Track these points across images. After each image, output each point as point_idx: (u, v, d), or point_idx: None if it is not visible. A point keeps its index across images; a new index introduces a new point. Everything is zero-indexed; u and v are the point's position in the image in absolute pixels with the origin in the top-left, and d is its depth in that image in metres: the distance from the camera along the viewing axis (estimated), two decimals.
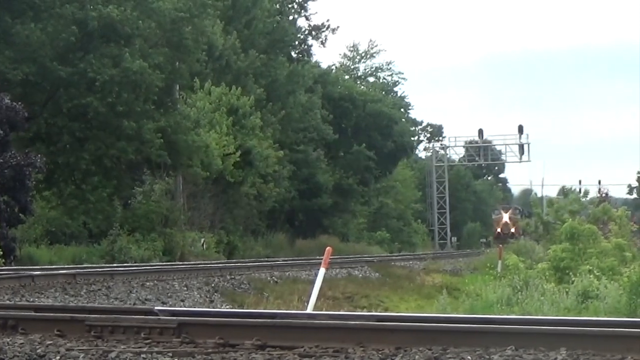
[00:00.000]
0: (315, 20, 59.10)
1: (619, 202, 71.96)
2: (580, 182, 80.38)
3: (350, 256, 42.28)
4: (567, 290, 23.49)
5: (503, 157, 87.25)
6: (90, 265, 25.80)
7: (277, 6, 54.37)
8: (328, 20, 60.07)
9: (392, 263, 42.15)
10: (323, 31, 58.54)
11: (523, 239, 75.81)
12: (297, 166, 52.81)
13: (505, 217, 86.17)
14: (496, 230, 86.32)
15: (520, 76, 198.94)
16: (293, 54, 55.90)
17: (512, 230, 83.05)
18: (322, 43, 58.79)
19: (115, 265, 26.52)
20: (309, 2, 58.29)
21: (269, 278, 27.07)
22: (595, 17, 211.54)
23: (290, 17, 57.29)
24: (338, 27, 69.39)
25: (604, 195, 59.01)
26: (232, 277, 25.47)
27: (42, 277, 18.99)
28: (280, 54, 51.82)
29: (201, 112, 40.06)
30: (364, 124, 64.51)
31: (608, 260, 27.87)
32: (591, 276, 23.88)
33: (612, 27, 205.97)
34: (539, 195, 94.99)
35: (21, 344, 8.38)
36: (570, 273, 25.19)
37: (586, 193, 58.58)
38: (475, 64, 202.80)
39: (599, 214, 39.75)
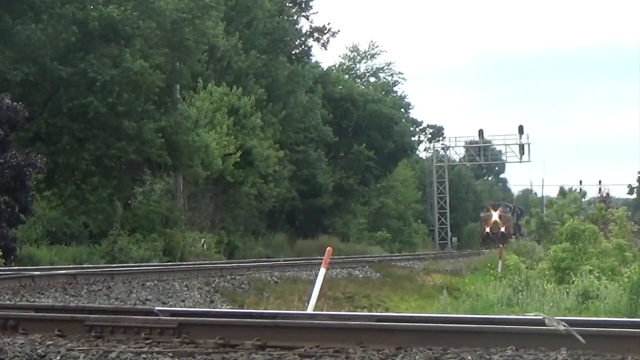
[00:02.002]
0: (317, 21, 59.25)
1: (619, 202, 72.02)
2: (580, 182, 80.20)
3: (351, 256, 42.28)
4: (567, 290, 23.51)
5: (503, 157, 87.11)
6: (90, 266, 25.80)
7: (278, 6, 54.35)
8: (329, 24, 60.23)
9: (393, 263, 42.14)
10: (325, 33, 58.60)
11: (515, 239, 74.77)
12: (297, 166, 52.82)
13: (495, 215, 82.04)
14: (484, 229, 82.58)
15: (520, 76, 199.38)
16: (294, 54, 55.92)
17: (502, 229, 79.62)
18: (324, 45, 58.85)
19: (115, 265, 26.51)
20: (310, 2, 58.36)
21: (269, 278, 27.07)
22: (595, 17, 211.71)
23: (291, 18, 57.26)
24: (339, 30, 69.56)
25: (604, 195, 58.98)
26: (233, 277, 25.47)
27: (42, 278, 18.99)
28: (281, 54, 51.83)
29: (202, 112, 40.08)
30: (364, 124, 64.54)
31: (608, 260, 27.89)
32: (591, 276, 23.90)
33: (612, 27, 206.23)
34: (539, 195, 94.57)
35: (21, 344, 8.38)
36: (571, 273, 25.20)
37: (584, 194, 58.68)
38: (475, 64, 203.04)
39: (596, 216, 39.81)
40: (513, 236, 78.21)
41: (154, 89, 33.75)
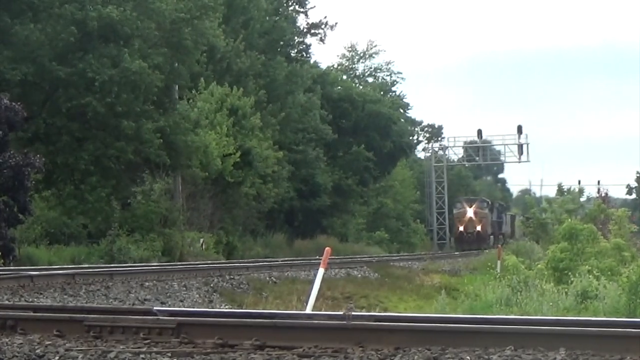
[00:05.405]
0: (314, 18, 59.20)
1: (618, 202, 71.95)
2: (579, 182, 79.96)
3: (349, 256, 42.28)
4: (566, 290, 23.53)
5: (502, 157, 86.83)
6: (89, 266, 25.80)
7: (275, 5, 54.31)
8: (325, 17, 60.21)
9: (391, 263, 42.14)
10: (322, 28, 58.57)
11: (494, 240, 72.90)
12: (296, 166, 52.80)
13: (470, 212, 72.59)
14: (458, 228, 73.30)
15: (519, 76, 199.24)
16: (292, 54, 55.93)
17: (478, 228, 71.77)
18: (322, 39, 58.78)
19: (114, 265, 26.52)
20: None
21: (268, 278, 27.09)
22: (595, 16, 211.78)
23: (288, 14, 57.18)
24: (336, 23, 69.47)
25: (603, 195, 59.02)
26: (231, 277, 25.48)
27: (41, 278, 19.00)
28: (279, 54, 51.82)
29: (202, 112, 40.06)
30: (363, 124, 64.52)
31: (607, 260, 27.92)
32: (590, 276, 23.92)
33: (611, 26, 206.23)
34: (538, 195, 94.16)
35: (20, 344, 8.39)
36: (569, 273, 25.23)
37: (581, 191, 58.78)
38: (474, 63, 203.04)
39: (595, 213, 39.92)
40: (491, 236, 74.39)
41: (152, 89, 33.72)
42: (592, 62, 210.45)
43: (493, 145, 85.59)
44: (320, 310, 15.41)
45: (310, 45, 59.04)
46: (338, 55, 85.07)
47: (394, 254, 56.36)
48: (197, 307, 19.06)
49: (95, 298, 18.67)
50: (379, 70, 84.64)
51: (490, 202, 77.95)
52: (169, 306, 18.39)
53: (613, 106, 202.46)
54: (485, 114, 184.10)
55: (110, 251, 30.13)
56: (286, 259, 37.60)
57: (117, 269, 23.49)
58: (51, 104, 33.53)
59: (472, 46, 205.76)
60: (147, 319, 8.77)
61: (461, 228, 72.85)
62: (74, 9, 32.44)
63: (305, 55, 58.19)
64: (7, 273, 19.23)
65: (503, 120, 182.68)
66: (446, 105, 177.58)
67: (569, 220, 31.44)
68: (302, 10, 58.27)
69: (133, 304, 18.47)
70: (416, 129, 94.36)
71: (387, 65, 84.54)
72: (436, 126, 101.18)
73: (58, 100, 33.17)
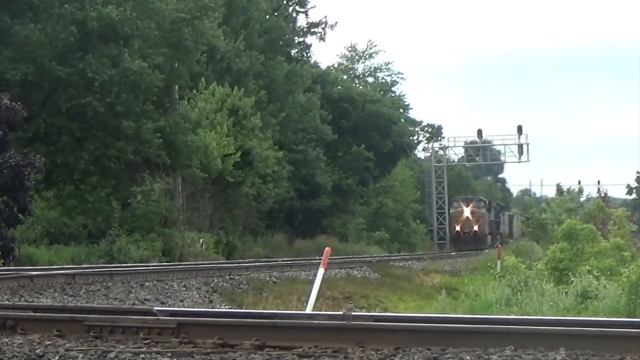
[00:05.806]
0: (314, 17, 59.23)
1: (618, 202, 71.99)
2: (579, 182, 79.93)
3: (349, 256, 42.29)
4: (566, 290, 23.54)
5: (502, 157, 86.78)
6: (89, 266, 25.80)
7: (274, 4, 54.31)
8: (325, 17, 60.21)
9: (391, 263, 42.14)
10: (322, 27, 58.56)
11: (491, 239, 72.46)
12: (296, 166, 52.80)
13: (467, 211, 71.80)
14: (455, 228, 72.61)
15: (519, 76, 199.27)
16: (292, 53, 55.93)
17: (475, 228, 71.01)
18: (321, 37, 58.74)
19: (114, 265, 26.53)
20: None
21: (268, 278, 27.09)
22: (594, 16, 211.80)
23: (288, 13, 57.14)
24: (336, 23, 69.43)
25: (603, 195, 59.04)
26: (231, 277, 25.49)
27: (41, 278, 19.00)
28: (279, 54, 51.82)
29: (203, 112, 40.07)
30: (363, 124, 64.51)
31: (606, 260, 27.92)
32: (590, 276, 23.93)
33: (611, 26, 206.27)
34: (538, 195, 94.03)
35: (20, 344, 8.39)
36: (569, 273, 25.23)
37: (581, 191, 58.85)
38: (474, 63, 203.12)
39: (594, 212, 39.95)
40: (489, 236, 73.96)
41: (152, 89, 33.72)
42: (592, 62, 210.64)
43: (493, 145, 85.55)
44: (320, 310, 15.41)
45: (310, 45, 59.12)
46: (338, 55, 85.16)
47: (394, 254, 56.33)
48: (197, 307, 19.07)
49: (95, 298, 18.67)
50: (378, 70, 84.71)
51: (487, 202, 77.62)
52: (169, 306, 18.40)
53: (613, 106, 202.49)
54: (485, 114, 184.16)
55: (110, 251, 30.14)
56: (286, 259, 37.60)
57: (117, 269, 23.50)
58: (51, 104, 33.53)
59: (472, 46, 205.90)
60: (147, 319, 8.78)
61: (458, 228, 72.27)
62: (74, 9, 32.44)
63: (305, 55, 58.24)
64: (7, 273, 19.23)
65: (503, 120, 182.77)
66: (446, 105, 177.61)
67: (569, 220, 31.44)
68: (302, 10, 58.31)
69: (133, 304, 18.47)
70: (416, 129, 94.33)
71: (387, 65, 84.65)
72: (436, 126, 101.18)
73: (58, 100, 33.17)
